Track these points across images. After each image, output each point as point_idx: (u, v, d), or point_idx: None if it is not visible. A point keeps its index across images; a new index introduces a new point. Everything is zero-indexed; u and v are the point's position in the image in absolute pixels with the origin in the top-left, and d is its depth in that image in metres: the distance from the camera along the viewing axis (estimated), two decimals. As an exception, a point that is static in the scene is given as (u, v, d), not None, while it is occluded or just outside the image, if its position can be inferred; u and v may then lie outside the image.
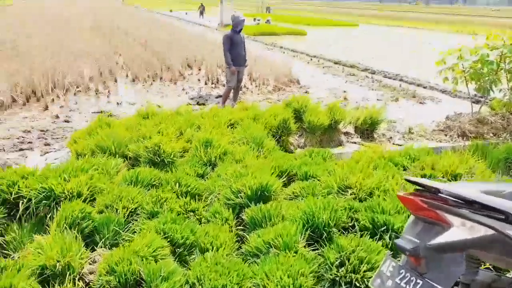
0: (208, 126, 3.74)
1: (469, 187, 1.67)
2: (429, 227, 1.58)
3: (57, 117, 6.60)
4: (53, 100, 7.51)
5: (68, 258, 1.99)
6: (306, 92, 8.34)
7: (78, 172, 2.66)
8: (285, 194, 2.78)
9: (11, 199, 2.48)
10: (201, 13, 30.40)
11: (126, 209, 2.44)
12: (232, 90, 6.84)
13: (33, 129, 5.99)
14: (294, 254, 2.06)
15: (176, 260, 2.19)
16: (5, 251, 2.34)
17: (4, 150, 4.96)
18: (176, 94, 8.25)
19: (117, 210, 2.40)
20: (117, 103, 7.51)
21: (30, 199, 2.49)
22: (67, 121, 6.46)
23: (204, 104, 7.44)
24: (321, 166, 3.01)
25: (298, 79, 9.19)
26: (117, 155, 3.19)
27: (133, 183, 2.76)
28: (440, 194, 1.59)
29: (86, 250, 2.20)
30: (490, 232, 1.45)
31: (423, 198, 1.60)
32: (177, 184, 2.71)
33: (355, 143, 4.64)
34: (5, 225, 2.42)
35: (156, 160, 3.14)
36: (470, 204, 1.51)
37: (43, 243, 2.05)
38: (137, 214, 2.49)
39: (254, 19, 25.77)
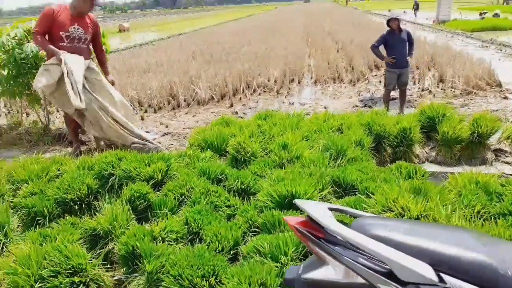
0: (305, 129, 3.63)
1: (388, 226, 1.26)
2: (316, 259, 1.32)
3: (236, 113, 7.54)
4: (240, 99, 8.59)
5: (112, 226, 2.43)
6: (504, 98, 6.83)
7: (158, 159, 3.14)
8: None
9: (106, 175, 3.14)
10: (415, 10, 28.44)
11: (181, 195, 2.74)
12: (397, 93, 6.30)
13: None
14: None
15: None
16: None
17: (175, 137, 6.04)
18: (348, 96, 8.12)
19: (174, 195, 2.73)
20: (289, 103, 7.98)
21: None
22: (241, 117, 7.32)
23: (371, 107, 7.09)
24: (393, 184, 2.50)
25: (500, 82, 7.57)
26: (216, 150, 3.53)
27: (202, 175, 3.02)
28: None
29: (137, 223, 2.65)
30: (363, 281, 1.18)
31: (303, 225, 1.26)
32: (237, 180, 2.82)
33: (508, 163, 3.56)
34: (101, 193, 3.08)
35: (238, 157, 3.30)
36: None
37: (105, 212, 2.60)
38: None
39: (480, 14, 22.33)
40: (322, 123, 3.90)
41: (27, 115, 6.95)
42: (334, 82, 9.36)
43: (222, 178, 3.02)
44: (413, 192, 2.39)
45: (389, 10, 39.20)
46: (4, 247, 2.61)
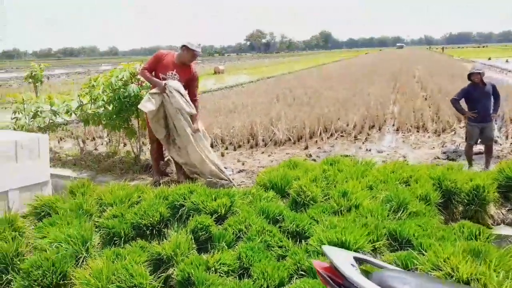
0: (370, 178, 3.58)
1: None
2: None
3: (310, 155, 7.65)
4: (316, 142, 8.70)
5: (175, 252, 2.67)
6: None
7: (224, 195, 3.35)
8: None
9: (178, 205, 3.43)
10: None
11: (239, 231, 2.90)
12: (480, 149, 5.92)
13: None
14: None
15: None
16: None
17: (249, 175, 6.29)
18: (431, 147, 7.77)
19: (233, 230, 2.91)
20: (366, 150, 7.88)
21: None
22: (314, 160, 7.40)
23: (454, 160, 6.69)
24: (448, 242, 2.35)
25: None
26: (280, 191, 3.66)
27: (261, 213, 3.15)
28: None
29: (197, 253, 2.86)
30: None
31: (326, 270, 1.27)
32: (293, 223, 2.89)
33: None
34: (171, 222, 3.39)
35: (298, 200, 3.37)
36: None
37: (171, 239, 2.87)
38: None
39: None
40: (389, 174, 3.85)
41: (124, 145, 7.84)
42: (418, 131, 9.03)
43: (280, 219, 3.15)
44: (470, 253, 2.26)
45: (489, 59, 36.79)
46: (84, 260, 3.01)
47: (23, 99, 6.90)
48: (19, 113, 6.82)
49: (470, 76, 5.89)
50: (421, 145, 7.92)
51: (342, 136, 9.05)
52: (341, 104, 11.58)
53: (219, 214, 3.24)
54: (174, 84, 4.76)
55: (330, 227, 2.75)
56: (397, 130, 9.34)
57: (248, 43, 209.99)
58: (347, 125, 9.50)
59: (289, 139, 8.79)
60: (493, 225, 3.49)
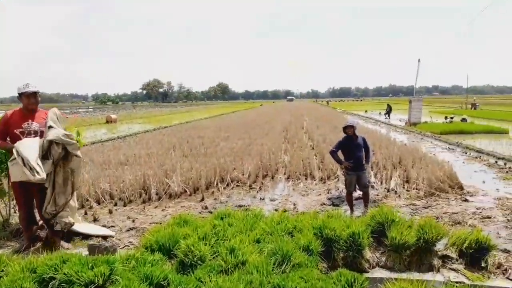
0: (259, 231, 3.67)
1: None
2: None
3: (206, 207, 7.54)
4: (213, 192, 8.65)
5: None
6: (465, 200, 7.07)
7: (102, 263, 3.09)
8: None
9: (47, 278, 3.06)
10: (388, 113, 30.48)
11: None
12: (360, 194, 6.51)
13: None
14: None
15: None
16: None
17: (139, 233, 5.93)
18: (318, 193, 8.28)
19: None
20: (260, 199, 8.07)
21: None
22: (210, 212, 7.31)
23: (338, 205, 7.21)
24: None
25: (462, 184, 7.90)
26: (167, 252, 3.49)
27: (145, 279, 2.97)
28: None
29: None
30: None
31: None
32: (178, 286, 2.76)
33: (454, 270, 3.58)
34: None
35: (186, 261, 3.27)
36: None
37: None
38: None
39: (446, 118, 24.05)
40: (275, 225, 3.95)
41: (-9, 207, 6.84)
42: (306, 179, 9.58)
43: (165, 284, 2.96)
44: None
45: (366, 111, 41.87)
46: None
47: None
48: None
49: (345, 128, 6.55)
50: (309, 192, 8.40)
51: (238, 185, 9.18)
52: (237, 154, 11.86)
53: (96, 284, 2.92)
54: (24, 142, 4.59)
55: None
56: (288, 178, 9.81)
57: (145, 91, 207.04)
58: (243, 174, 9.69)
59: (185, 191, 8.61)
60: (369, 268, 3.76)
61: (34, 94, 4.86)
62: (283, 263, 3.14)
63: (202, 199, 8.11)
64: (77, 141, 6.20)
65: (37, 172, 4.26)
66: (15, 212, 6.02)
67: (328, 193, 8.19)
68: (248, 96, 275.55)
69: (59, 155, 4.61)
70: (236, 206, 7.62)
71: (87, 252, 4.15)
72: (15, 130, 4.76)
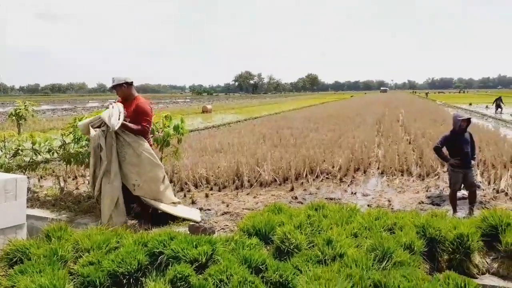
0: (356, 225, 3.54)
1: None
2: None
3: (296, 198, 7.58)
4: (302, 183, 8.66)
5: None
6: None
7: (205, 242, 3.25)
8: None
9: (157, 253, 3.31)
10: (498, 106, 27.14)
11: (220, 281, 2.79)
12: (466, 193, 5.97)
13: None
14: None
15: None
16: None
17: (233, 217, 6.18)
18: (415, 191, 7.80)
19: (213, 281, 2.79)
20: (352, 193, 7.86)
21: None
22: (300, 202, 7.33)
23: (439, 205, 6.72)
24: None
25: None
26: (263, 238, 3.56)
27: (244, 262, 3.06)
28: None
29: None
30: None
31: None
32: (276, 272, 2.80)
33: None
34: (149, 270, 3.25)
35: (282, 247, 3.29)
36: None
37: None
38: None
39: None
40: (373, 221, 3.81)
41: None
42: (402, 175, 9.09)
43: (263, 268, 3.05)
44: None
45: (470, 104, 38.09)
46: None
47: (4, 137, 6.78)
48: (-1, 151, 6.68)
49: (459, 121, 5.89)
50: (406, 189, 7.95)
51: (327, 178, 9.05)
52: (327, 146, 11.69)
53: (199, 262, 3.12)
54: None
55: (314, 279, 2.66)
56: (382, 173, 9.40)
57: (237, 83, 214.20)
58: (333, 167, 9.53)
59: (275, 180, 8.74)
60: (478, 274, 3.43)
61: (114, 87, 5.39)
62: (383, 259, 3.02)
63: (292, 189, 8.15)
64: (181, 128, 6.68)
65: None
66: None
67: (427, 191, 7.67)
68: (338, 87, 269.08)
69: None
70: (326, 198, 7.52)
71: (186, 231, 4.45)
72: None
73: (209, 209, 6.74)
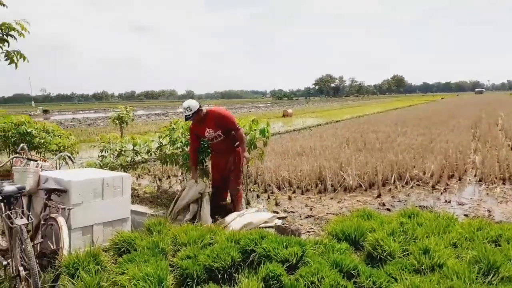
0: (454, 235, 3.27)
1: None
2: None
3: (383, 204, 7.29)
4: (389, 190, 8.31)
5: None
6: None
7: (295, 244, 3.26)
8: None
9: (249, 250, 3.41)
10: None
11: (311, 283, 2.78)
12: None
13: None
14: None
15: None
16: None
17: (317, 221, 6.13)
18: (520, 202, 7.04)
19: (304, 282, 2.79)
20: (446, 201, 7.35)
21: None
22: (388, 209, 7.03)
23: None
24: None
25: None
26: (353, 243, 3.48)
27: (334, 266, 3.00)
28: None
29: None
30: None
31: None
32: (369, 279, 2.70)
33: None
34: (242, 267, 3.36)
35: (374, 254, 3.16)
36: None
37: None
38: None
39: None
40: (475, 231, 3.52)
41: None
42: (504, 183, 8.28)
43: (354, 274, 3.00)
44: None
45: None
46: (159, 301, 3.09)
47: (109, 139, 7.55)
48: (105, 152, 7.44)
49: None
50: (509, 199, 7.22)
51: (418, 185, 8.57)
52: (416, 151, 11.07)
53: (290, 263, 3.18)
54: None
55: (412, 288, 2.55)
56: (480, 181, 8.64)
57: (317, 87, 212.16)
58: (424, 173, 8.99)
59: (360, 186, 8.50)
60: None
61: (192, 115, 5.55)
62: (489, 273, 2.78)
63: (379, 195, 7.86)
64: (267, 131, 6.83)
65: None
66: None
67: (534, 202, 6.88)
68: (426, 88, 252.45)
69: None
70: (416, 206, 7.11)
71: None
72: (200, 136, 5.89)
73: (292, 211, 6.79)
